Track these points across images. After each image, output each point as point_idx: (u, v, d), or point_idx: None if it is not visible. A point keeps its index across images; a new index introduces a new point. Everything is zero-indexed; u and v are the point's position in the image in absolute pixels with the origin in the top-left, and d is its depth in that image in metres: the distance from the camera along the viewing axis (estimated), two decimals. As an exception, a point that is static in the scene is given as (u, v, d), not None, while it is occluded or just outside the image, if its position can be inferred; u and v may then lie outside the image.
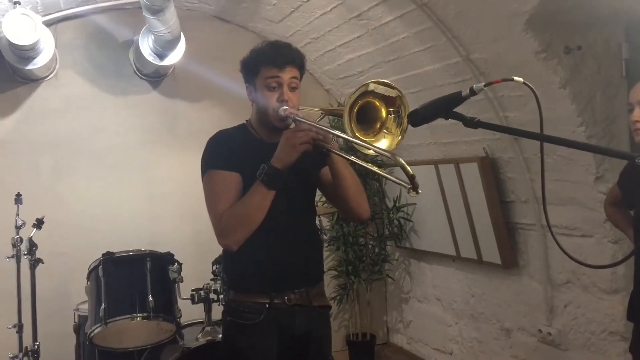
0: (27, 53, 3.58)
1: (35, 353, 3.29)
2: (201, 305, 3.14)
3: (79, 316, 3.40)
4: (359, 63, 4.10)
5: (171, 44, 3.90)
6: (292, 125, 2.11)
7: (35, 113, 4.03)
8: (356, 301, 4.72)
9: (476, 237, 3.82)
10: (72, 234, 3.99)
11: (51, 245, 3.61)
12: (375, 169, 1.89)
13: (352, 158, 2.04)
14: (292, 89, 2.15)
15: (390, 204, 4.60)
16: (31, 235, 3.35)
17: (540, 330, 3.54)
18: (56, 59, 4.03)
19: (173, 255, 3.23)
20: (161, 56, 3.98)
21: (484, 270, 3.94)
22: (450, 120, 1.57)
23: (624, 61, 2.99)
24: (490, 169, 3.62)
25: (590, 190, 3.08)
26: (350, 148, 3.54)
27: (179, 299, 3.14)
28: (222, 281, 3.01)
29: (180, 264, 3.19)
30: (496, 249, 3.69)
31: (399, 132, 1.90)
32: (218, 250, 2.23)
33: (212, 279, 3.10)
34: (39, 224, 3.37)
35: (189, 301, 3.10)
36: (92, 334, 2.96)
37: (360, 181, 2.32)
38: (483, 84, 1.46)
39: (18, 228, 3.34)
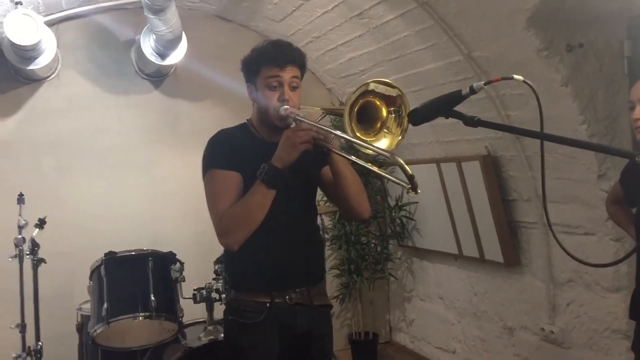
0: (28, 53, 3.59)
1: (38, 353, 3.30)
2: (203, 305, 3.13)
3: (82, 316, 3.40)
4: (361, 62, 4.10)
5: (172, 43, 3.90)
6: (293, 125, 2.11)
7: (38, 113, 4.03)
8: (359, 300, 4.72)
9: (478, 235, 3.82)
10: (75, 234, 4.00)
11: (54, 245, 3.62)
12: (375, 168, 1.88)
13: (353, 158, 2.03)
14: (293, 88, 2.15)
15: (392, 203, 4.60)
16: (33, 235, 3.35)
17: (542, 329, 3.53)
18: (58, 59, 4.04)
19: (175, 254, 3.24)
20: (163, 56, 3.98)
21: (487, 268, 3.94)
22: (452, 119, 1.56)
23: (626, 59, 2.98)
24: (492, 167, 3.62)
25: (593, 189, 3.08)
26: (351, 147, 3.54)
27: (181, 299, 3.14)
28: (223, 280, 3.01)
29: (182, 264, 3.19)
30: (498, 248, 3.69)
31: (399, 132, 1.89)
32: (220, 249, 2.22)
33: (214, 279, 3.10)
34: (41, 223, 3.37)
35: (191, 300, 3.10)
36: (95, 334, 2.96)
37: (362, 180, 2.32)
38: (483, 82, 1.46)
39: (20, 228, 3.35)
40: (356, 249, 4.57)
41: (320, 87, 4.80)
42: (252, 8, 4.16)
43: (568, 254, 1.53)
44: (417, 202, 4.39)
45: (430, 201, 4.18)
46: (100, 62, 4.19)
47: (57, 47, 3.86)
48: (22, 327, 3.35)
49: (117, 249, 3.20)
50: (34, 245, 3.31)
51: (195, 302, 3.08)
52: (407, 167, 1.61)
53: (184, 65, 4.23)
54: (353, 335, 4.74)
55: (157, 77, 4.34)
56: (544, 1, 2.66)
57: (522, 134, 1.59)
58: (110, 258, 3.08)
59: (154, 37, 3.80)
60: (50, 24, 3.82)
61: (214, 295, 3.05)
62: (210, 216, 2.12)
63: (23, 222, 3.36)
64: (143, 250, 3.19)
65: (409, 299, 4.86)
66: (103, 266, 3.04)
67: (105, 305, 2.93)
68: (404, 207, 4.50)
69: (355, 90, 1.88)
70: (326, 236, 3.88)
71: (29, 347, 3.32)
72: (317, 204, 2.43)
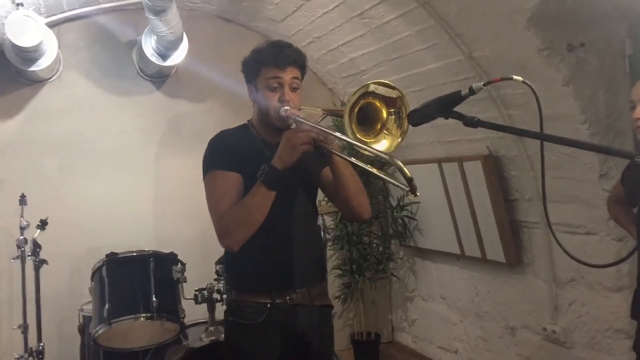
0: (30, 55, 3.59)
1: (40, 354, 3.31)
2: (205, 305, 3.13)
3: (84, 316, 3.41)
4: (362, 62, 4.10)
5: (174, 44, 3.91)
6: (293, 126, 2.11)
7: (39, 114, 4.04)
8: (361, 300, 4.72)
9: (480, 235, 3.81)
10: (77, 235, 4.00)
11: (56, 246, 3.63)
12: (374, 170, 1.87)
13: (352, 159, 2.03)
14: (293, 89, 2.15)
15: (394, 203, 4.59)
16: (35, 236, 3.36)
17: (545, 329, 3.53)
18: (60, 60, 4.04)
19: (176, 255, 3.24)
20: (164, 56, 3.99)
21: (489, 268, 3.94)
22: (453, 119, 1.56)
23: (627, 58, 2.98)
24: (494, 167, 3.61)
25: (594, 188, 3.07)
26: (352, 148, 3.54)
27: (182, 299, 3.14)
28: (224, 281, 3.01)
29: (183, 264, 3.20)
30: (500, 247, 3.69)
31: (399, 134, 1.88)
32: (221, 250, 2.23)
33: (215, 279, 3.10)
34: (42, 225, 3.38)
35: (193, 301, 3.11)
36: (97, 335, 2.97)
37: (364, 180, 2.31)
38: (482, 83, 1.45)
39: (22, 229, 3.36)
40: (358, 249, 4.57)
41: (322, 87, 4.80)
42: (253, 8, 4.16)
43: (568, 254, 1.53)
44: (419, 202, 4.39)
45: (432, 201, 4.17)
46: (102, 63, 4.20)
47: (59, 48, 3.87)
48: (25, 328, 3.36)
49: (118, 249, 3.20)
50: (36, 247, 3.32)
51: (197, 302, 3.08)
52: (406, 170, 1.61)
53: (186, 66, 4.23)
54: (355, 336, 4.74)
55: (159, 77, 4.34)
56: (545, 1, 2.65)
57: (522, 135, 1.58)
58: (112, 259, 3.09)
59: (155, 38, 3.80)
60: (51, 25, 3.83)
61: (216, 295, 3.05)
62: (211, 217, 2.12)
63: (25, 223, 3.38)
64: (144, 251, 3.20)
65: (411, 298, 4.86)
66: (104, 267, 3.05)
67: (106, 306, 2.94)
68: (406, 207, 4.50)
69: (355, 92, 1.87)
70: (328, 236, 3.87)
71: (31, 348, 3.33)
72: (318, 204, 2.43)
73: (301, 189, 2.23)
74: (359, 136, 1.86)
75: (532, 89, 1.44)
